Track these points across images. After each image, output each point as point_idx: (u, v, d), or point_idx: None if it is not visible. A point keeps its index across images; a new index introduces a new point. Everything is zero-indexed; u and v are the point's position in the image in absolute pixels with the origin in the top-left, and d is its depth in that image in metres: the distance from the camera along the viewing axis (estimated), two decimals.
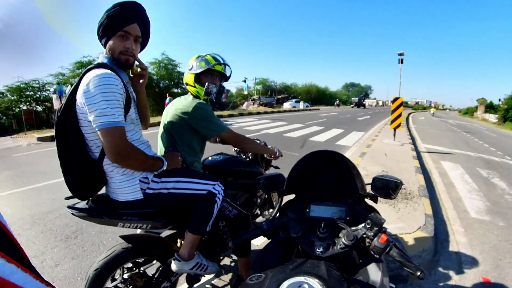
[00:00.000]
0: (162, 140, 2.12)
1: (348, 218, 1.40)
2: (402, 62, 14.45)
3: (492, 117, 48.67)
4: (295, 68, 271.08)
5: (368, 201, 1.56)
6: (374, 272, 1.17)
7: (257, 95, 39.86)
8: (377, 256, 1.14)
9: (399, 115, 10.00)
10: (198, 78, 2.12)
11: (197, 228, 1.80)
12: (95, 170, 1.55)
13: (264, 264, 1.27)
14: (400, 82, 14.62)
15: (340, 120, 20.07)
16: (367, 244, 1.17)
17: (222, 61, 2.14)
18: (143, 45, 1.74)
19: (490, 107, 60.42)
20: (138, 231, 1.96)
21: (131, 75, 1.78)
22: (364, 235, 1.18)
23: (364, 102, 60.02)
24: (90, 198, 1.69)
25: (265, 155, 2.53)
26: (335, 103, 52.09)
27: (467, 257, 3.18)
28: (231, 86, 43.07)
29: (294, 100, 42.97)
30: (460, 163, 8.31)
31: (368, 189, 1.53)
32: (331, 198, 1.53)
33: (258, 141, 2.60)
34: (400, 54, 14.41)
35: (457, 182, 6.21)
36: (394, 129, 10.30)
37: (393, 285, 2.62)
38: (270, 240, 1.42)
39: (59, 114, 1.48)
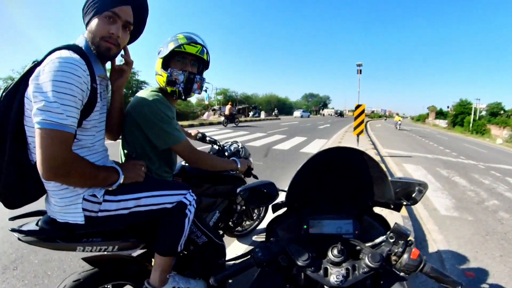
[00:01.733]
0: (122, 146, 1.66)
1: (356, 232, 1.15)
2: (360, 73, 14.92)
3: (443, 123, 52.41)
4: (255, 79, 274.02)
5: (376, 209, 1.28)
6: None
7: (218, 105, 39.57)
8: (407, 274, 0.93)
9: (362, 122, 10.19)
10: (167, 63, 1.61)
11: (166, 249, 1.46)
12: (31, 176, 1.19)
13: None
14: (359, 92, 15.07)
15: (301, 129, 20.28)
16: (393, 262, 0.95)
17: (196, 41, 1.61)
18: (135, 36, 1.44)
19: (440, 114, 65.10)
20: None
21: (112, 70, 1.46)
22: (390, 252, 0.95)
23: (343, 112, 63.28)
24: (40, 218, 1.36)
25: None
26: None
27: (446, 253, 3.16)
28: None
29: (301, 110, 47.39)
30: (421, 164, 8.65)
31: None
32: (332, 208, 1.24)
33: (233, 150, 2.33)
34: (359, 65, 14.88)
35: None
36: (357, 135, 10.47)
37: None
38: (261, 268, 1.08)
39: (3, 94, 1.16)
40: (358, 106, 10.30)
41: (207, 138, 2.47)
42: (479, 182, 6.86)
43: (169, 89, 1.60)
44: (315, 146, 11.11)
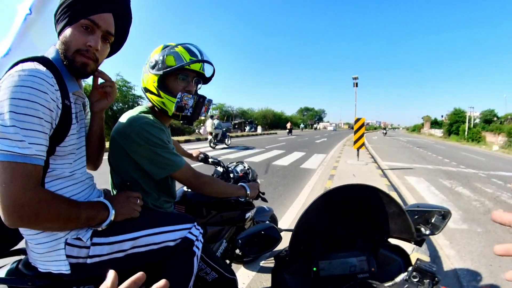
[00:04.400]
0: (111, 176, 1.43)
1: (373, 269, 1.03)
2: (357, 86, 15.10)
3: (438, 132, 52.88)
4: (251, 94, 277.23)
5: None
6: None
7: None
8: None
9: (362, 135, 10.11)
10: (163, 81, 1.38)
11: None
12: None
13: None
14: (355, 105, 15.16)
15: (299, 143, 20.20)
16: None
17: (200, 56, 1.41)
18: (115, 48, 1.21)
19: (435, 123, 65.81)
20: None
21: (92, 89, 1.23)
22: None
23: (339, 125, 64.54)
24: (19, 260, 1.15)
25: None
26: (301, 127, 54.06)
27: (462, 270, 3.08)
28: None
29: (330, 122, 46.43)
30: (423, 176, 8.59)
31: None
32: (343, 245, 1.11)
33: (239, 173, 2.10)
34: (355, 78, 15.10)
35: (426, 195, 6.30)
36: (358, 149, 10.39)
37: None
38: None
39: None
40: (358, 120, 10.28)
41: (210, 159, 2.25)
42: (483, 191, 6.82)
43: (178, 113, 1.39)
44: (315, 162, 11.05)
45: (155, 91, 1.36)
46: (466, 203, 5.69)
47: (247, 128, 40.03)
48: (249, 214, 2.05)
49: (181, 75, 1.38)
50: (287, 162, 10.62)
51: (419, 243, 1.13)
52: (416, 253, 3.19)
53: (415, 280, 0.86)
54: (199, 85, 1.52)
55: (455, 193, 6.57)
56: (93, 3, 1.01)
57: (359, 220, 1.13)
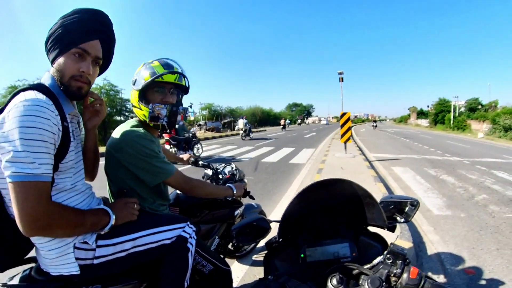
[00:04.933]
0: (109, 185, 1.57)
1: (354, 254, 1.14)
2: (342, 80, 15.12)
3: (424, 122, 53.63)
4: (239, 92, 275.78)
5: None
6: None
7: (203, 120, 39.52)
8: None
9: (348, 129, 10.37)
10: (144, 95, 1.51)
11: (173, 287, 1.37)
12: (13, 231, 1.08)
13: None
14: (342, 99, 15.24)
15: (288, 139, 20.38)
16: (393, 283, 0.93)
17: (173, 68, 1.52)
18: (103, 68, 1.34)
19: (421, 113, 66.66)
20: None
21: (84, 108, 1.36)
22: (389, 274, 0.95)
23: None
24: (31, 268, 1.27)
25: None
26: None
27: (445, 254, 3.19)
28: None
29: (318, 117, 47.59)
30: (409, 166, 8.77)
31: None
32: (327, 233, 1.23)
33: (229, 173, 2.31)
34: (340, 73, 15.09)
35: (412, 184, 6.45)
36: (345, 143, 10.61)
37: None
38: None
39: None
40: (343, 114, 10.48)
41: (200, 162, 2.40)
42: (467, 178, 7.01)
43: (151, 124, 1.51)
44: (304, 156, 11.17)
45: (138, 106, 1.51)
46: (450, 190, 5.86)
47: (237, 126, 40.15)
48: (238, 212, 2.17)
49: (157, 88, 1.50)
50: (276, 159, 10.73)
51: (391, 229, 1.26)
52: (400, 240, 3.30)
53: (389, 261, 0.96)
54: (180, 95, 1.65)
55: (440, 181, 6.74)
56: (81, 34, 1.14)
57: (341, 210, 1.26)
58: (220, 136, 25.95)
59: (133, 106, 1.56)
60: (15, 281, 1.22)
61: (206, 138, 22.66)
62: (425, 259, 3.15)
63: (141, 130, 1.47)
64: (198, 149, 11.86)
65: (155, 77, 1.44)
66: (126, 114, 28.14)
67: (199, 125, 34.16)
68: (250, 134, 21.22)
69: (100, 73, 1.33)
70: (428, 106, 56.64)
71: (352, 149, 12.13)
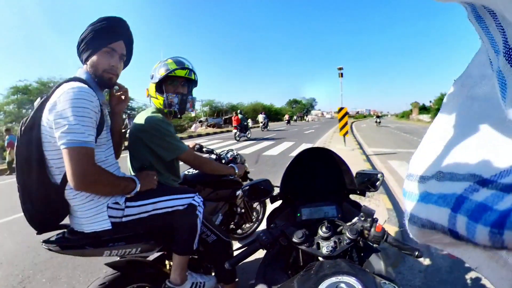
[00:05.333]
0: (131, 163, 1.87)
1: (339, 215, 1.39)
2: (342, 76, 15.21)
3: (426, 117, 53.19)
4: (240, 88, 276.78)
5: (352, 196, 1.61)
6: (376, 263, 1.21)
7: (205, 117, 39.60)
8: (376, 245, 1.18)
9: (346, 123, 10.84)
10: (160, 87, 1.85)
11: (184, 248, 1.63)
12: (56, 197, 1.33)
13: (268, 278, 1.20)
14: (341, 95, 15.33)
15: (289, 134, 20.58)
16: (366, 235, 1.17)
17: (184, 65, 1.85)
18: (126, 63, 1.64)
19: (423, 109, 65.94)
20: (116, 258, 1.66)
21: (111, 96, 1.66)
22: (362, 227, 1.18)
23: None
24: (66, 230, 1.48)
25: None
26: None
27: None
28: None
29: (321, 111, 48.48)
30: (406, 160, 8.88)
31: None
32: (318, 198, 1.49)
33: (231, 157, 2.56)
34: (340, 69, 15.13)
35: None
36: (344, 136, 11.06)
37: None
38: (265, 252, 1.31)
39: (22, 128, 1.30)
40: (341, 109, 10.89)
41: (204, 149, 2.69)
42: None
43: (166, 110, 1.86)
44: None
45: (155, 96, 1.87)
46: None
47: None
48: (239, 192, 2.43)
49: (170, 81, 1.86)
50: (276, 152, 10.97)
51: (362, 194, 1.58)
52: (387, 225, 3.55)
53: (362, 219, 1.21)
54: (192, 88, 2.02)
55: None
56: (109, 36, 1.44)
57: (328, 177, 1.58)
58: (222, 132, 26.16)
59: (151, 97, 1.91)
60: (53, 239, 1.44)
61: (208, 134, 22.91)
62: (412, 243, 3.27)
63: (159, 115, 1.79)
64: (249, 134, 16.94)
65: (168, 72, 1.79)
66: (128, 112, 28.51)
67: (200, 121, 34.20)
68: (268, 126, 25.62)
69: (124, 67, 1.62)
70: (430, 102, 56.46)
71: (351, 143, 12.36)
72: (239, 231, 3.02)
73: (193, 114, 35.22)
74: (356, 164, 7.41)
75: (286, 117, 38.84)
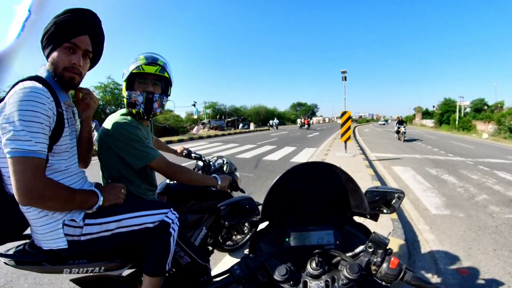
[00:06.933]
0: (101, 171, 1.69)
1: (338, 242, 1.12)
2: (345, 79, 14.97)
3: (429, 122, 53.32)
4: (243, 91, 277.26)
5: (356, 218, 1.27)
6: None
7: (207, 119, 39.61)
8: (388, 284, 0.92)
9: (348, 128, 10.33)
10: (131, 86, 1.63)
11: (154, 269, 1.45)
12: (12, 208, 1.21)
13: None
14: (345, 98, 15.12)
15: (291, 139, 20.34)
16: (373, 271, 0.93)
17: (156, 61, 1.62)
18: (94, 62, 1.47)
19: (426, 113, 66.18)
20: None
21: (77, 101, 1.48)
22: (369, 262, 0.94)
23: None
24: (26, 242, 1.37)
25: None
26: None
27: (439, 253, 3.14)
28: (181, 111, 41.99)
29: (322, 116, 51.37)
30: (410, 165, 8.69)
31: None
32: (313, 219, 1.22)
33: (220, 164, 2.35)
34: (343, 72, 14.95)
35: (411, 184, 6.39)
36: (345, 142, 10.57)
37: None
38: None
39: None
40: (344, 113, 10.42)
41: (193, 154, 2.49)
42: (468, 178, 6.93)
43: (133, 110, 1.62)
44: (305, 156, 11.13)
45: (124, 95, 1.64)
46: (450, 190, 5.78)
47: (240, 125, 40.36)
48: None
49: (140, 79, 1.63)
50: (277, 157, 10.71)
51: (373, 218, 1.24)
52: (392, 237, 3.26)
53: (371, 250, 0.95)
54: (168, 87, 1.76)
55: (440, 180, 6.67)
56: (71, 30, 1.27)
57: (327, 196, 1.24)
58: (223, 134, 25.98)
59: (123, 97, 1.67)
60: (10, 252, 1.34)
61: (209, 136, 22.76)
62: (418, 257, 3.10)
63: (128, 117, 1.61)
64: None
65: (135, 68, 1.57)
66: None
67: (203, 123, 34.31)
68: (277, 128, 32.14)
69: (91, 67, 1.47)
70: (433, 106, 56.59)
71: (353, 149, 12.08)
72: (229, 242, 2.82)
73: (195, 116, 35.76)
74: (358, 171, 7.18)
75: (298, 121, 38.94)
